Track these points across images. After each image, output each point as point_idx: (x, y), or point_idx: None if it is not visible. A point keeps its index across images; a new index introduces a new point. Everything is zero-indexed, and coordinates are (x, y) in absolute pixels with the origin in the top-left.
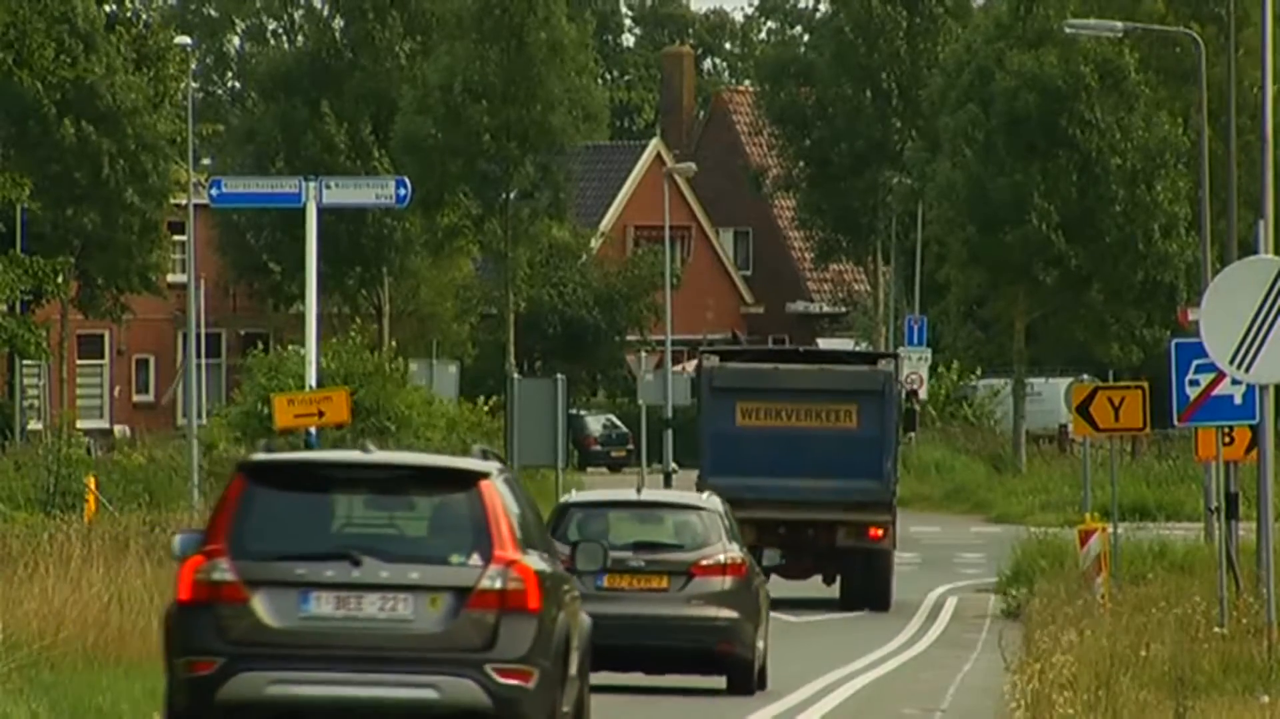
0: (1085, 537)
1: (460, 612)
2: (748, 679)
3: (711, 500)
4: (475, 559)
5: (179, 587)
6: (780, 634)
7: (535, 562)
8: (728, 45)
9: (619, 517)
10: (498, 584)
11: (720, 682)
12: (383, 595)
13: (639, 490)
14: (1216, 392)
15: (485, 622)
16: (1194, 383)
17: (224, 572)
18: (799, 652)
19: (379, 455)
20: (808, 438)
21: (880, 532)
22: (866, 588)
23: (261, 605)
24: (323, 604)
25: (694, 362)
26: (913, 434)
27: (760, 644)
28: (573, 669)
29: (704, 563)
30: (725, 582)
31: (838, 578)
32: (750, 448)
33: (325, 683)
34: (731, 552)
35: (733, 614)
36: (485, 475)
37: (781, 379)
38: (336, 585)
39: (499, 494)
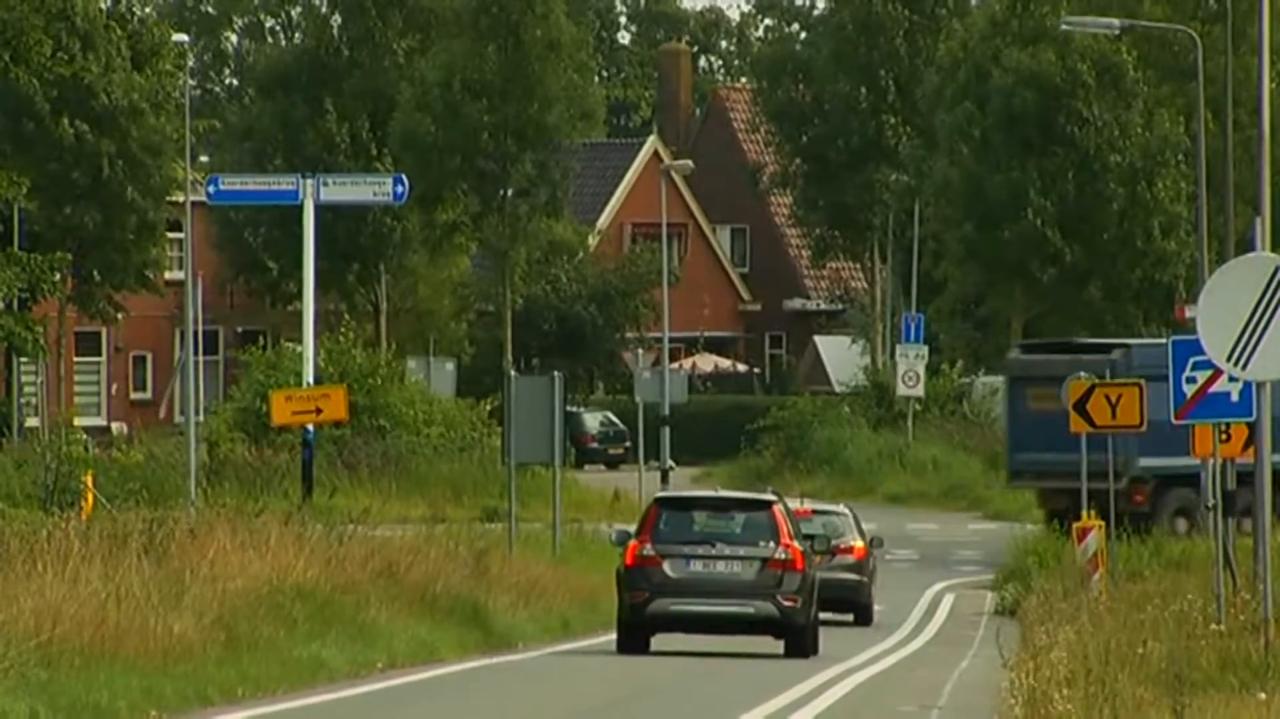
0: (1082, 534)
1: (763, 570)
2: (867, 616)
3: (843, 507)
4: (771, 544)
5: (626, 557)
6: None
7: (799, 545)
8: (723, 43)
9: None
10: (782, 556)
11: (848, 618)
12: (726, 562)
13: (801, 501)
14: (1213, 388)
15: (776, 575)
16: (1191, 380)
17: (649, 550)
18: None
19: (722, 493)
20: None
21: (1141, 496)
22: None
23: (667, 566)
24: (696, 566)
25: (690, 359)
26: None
27: (874, 595)
28: (815, 598)
29: (840, 546)
30: (853, 557)
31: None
32: (1038, 428)
33: (698, 604)
34: (857, 540)
35: (858, 577)
36: (775, 503)
37: (1052, 368)
38: (703, 557)
39: (782, 511)
